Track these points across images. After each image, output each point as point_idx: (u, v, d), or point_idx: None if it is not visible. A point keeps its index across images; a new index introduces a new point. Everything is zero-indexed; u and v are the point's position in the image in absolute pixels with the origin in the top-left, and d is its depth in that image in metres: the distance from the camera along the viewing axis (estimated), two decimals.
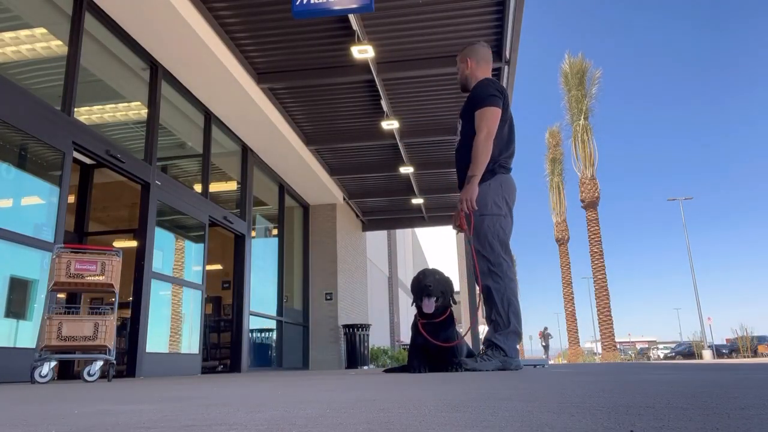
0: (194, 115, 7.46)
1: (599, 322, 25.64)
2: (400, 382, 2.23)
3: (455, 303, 3.89)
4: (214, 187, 7.95)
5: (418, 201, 12.65)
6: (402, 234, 23.48)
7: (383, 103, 8.01)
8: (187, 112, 7.29)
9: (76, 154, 5.20)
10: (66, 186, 4.86)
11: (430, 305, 3.61)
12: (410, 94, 8.13)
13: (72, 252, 4.00)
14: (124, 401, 1.50)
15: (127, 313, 6.07)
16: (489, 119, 3.63)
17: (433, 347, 3.63)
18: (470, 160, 3.63)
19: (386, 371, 4.17)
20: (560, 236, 32.12)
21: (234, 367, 8.12)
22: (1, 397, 1.88)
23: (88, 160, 6.08)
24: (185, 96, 7.09)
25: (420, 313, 3.74)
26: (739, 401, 1.04)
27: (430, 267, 3.97)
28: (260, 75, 7.37)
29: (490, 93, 3.68)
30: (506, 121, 3.76)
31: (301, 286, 11.36)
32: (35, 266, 4.60)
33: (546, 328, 28.20)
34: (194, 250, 7.31)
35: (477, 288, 3.81)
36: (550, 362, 6.63)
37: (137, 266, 5.93)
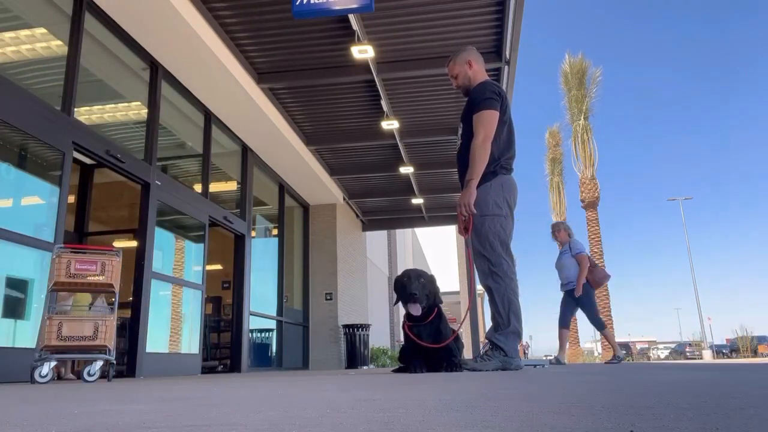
0: (194, 115, 7.46)
1: None
2: (399, 382, 2.23)
3: (441, 302, 3.88)
4: (214, 187, 7.95)
5: (418, 201, 12.64)
6: (402, 234, 23.47)
7: (383, 103, 8.01)
8: (187, 112, 7.29)
9: (76, 154, 5.20)
10: (66, 186, 4.86)
11: (416, 308, 3.65)
12: (410, 94, 8.13)
13: (72, 252, 4.00)
14: (124, 401, 1.50)
15: (127, 313, 6.07)
16: (486, 122, 3.62)
17: (426, 348, 3.64)
18: None
19: (394, 371, 4.20)
20: None
21: (234, 367, 8.12)
22: (1, 397, 1.88)
23: (88, 160, 6.08)
24: (185, 96, 7.09)
25: (408, 316, 3.77)
26: (739, 401, 1.04)
27: (413, 267, 3.96)
28: (260, 75, 7.37)
29: (487, 96, 3.67)
30: (506, 123, 3.74)
31: (301, 286, 11.36)
32: (35, 266, 4.60)
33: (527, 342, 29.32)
34: (194, 250, 7.31)
35: (473, 288, 3.80)
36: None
37: (137, 266, 5.93)
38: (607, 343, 9.21)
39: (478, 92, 3.73)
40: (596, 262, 7.49)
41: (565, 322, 7.29)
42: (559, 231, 7.56)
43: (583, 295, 7.02)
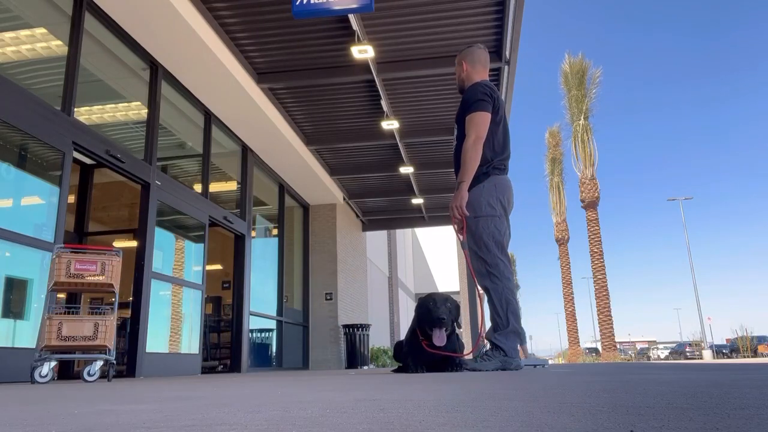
0: (194, 115, 7.46)
1: (599, 322, 25.63)
2: (400, 382, 2.23)
3: (460, 327, 3.83)
4: (214, 187, 7.95)
5: (418, 201, 12.65)
6: (402, 234, 23.46)
7: (383, 103, 8.01)
8: (187, 112, 7.29)
9: (76, 154, 5.20)
10: (66, 186, 4.86)
11: (441, 338, 3.54)
12: (410, 94, 8.13)
13: (72, 252, 4.00)
14: (124, 401, 1.50)
15: (127, 313, 6.07)
16: (477, 124, 3.62)
17: (435, 355, 3.62)
18: None
19: (394, 371, 4.20)
20: (560, 236, 32.11)
21: (234, 367, 8.12)
22: (1, 397, 1.88)
23: (88, 160, 6.08)
24: (185, 96, 7.09)
25: (422, 332, 3.67)
26: (739, 401, 1.04)
27: (439, 291, 3.86)
28: (260, 75, 7.37)
29: (478, 98, 3.67)
30: (499, 124, 3.73)
31: (301, 286, 11.36)
32: (35, 266, 4.60)
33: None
34: (194, 250, 7.30)
35: (477, 291, 3.80)
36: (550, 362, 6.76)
37: (137, 266, 5.93)
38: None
39: (470, 94, 3.74)
40: None
41: None
42: None
43: None
